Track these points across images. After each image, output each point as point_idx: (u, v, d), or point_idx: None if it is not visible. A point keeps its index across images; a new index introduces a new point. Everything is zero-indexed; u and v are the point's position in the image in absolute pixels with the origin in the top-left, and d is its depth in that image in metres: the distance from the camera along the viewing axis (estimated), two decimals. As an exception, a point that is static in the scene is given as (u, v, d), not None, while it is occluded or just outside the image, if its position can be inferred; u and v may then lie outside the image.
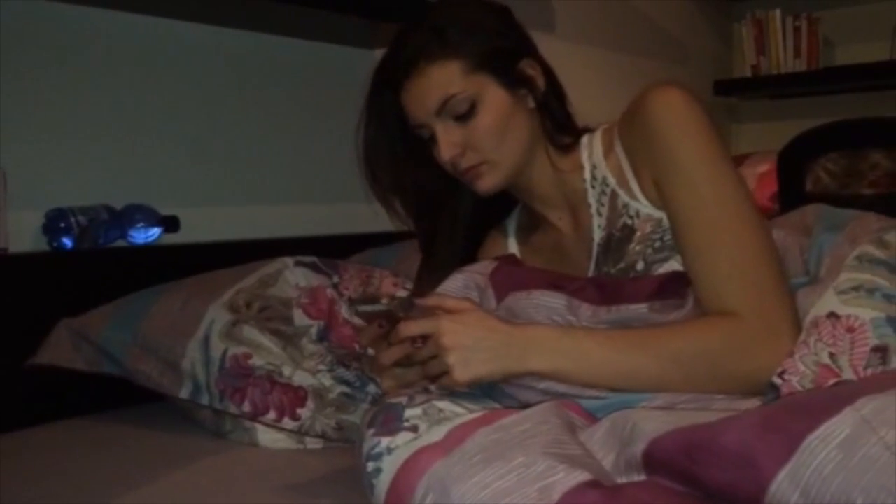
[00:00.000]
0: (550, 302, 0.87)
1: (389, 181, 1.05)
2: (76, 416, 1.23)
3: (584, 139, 1.02)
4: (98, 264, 1.32)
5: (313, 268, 1.30)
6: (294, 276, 1.27)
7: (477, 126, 0.96)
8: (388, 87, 1.00)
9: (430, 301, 0.86)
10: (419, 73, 0.96)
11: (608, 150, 0.99)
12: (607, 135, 1.00)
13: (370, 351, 1.01)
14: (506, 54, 0.97)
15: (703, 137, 0.88)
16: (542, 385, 0.84)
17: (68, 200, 1.32)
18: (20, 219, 1.27)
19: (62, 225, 1.29)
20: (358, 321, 1.20)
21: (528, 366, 0.83)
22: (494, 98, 0.96)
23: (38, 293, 1.24)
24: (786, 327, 0.81)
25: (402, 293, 1.30)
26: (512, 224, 1.14)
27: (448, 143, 0.97)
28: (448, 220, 1.08)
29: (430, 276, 1.07)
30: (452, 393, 0.83)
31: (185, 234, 1.45)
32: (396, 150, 1.04)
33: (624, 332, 0.84)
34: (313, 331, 1.20)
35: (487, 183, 0.99)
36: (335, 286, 1.28)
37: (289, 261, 1.29)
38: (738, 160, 2.49)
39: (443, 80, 0.95)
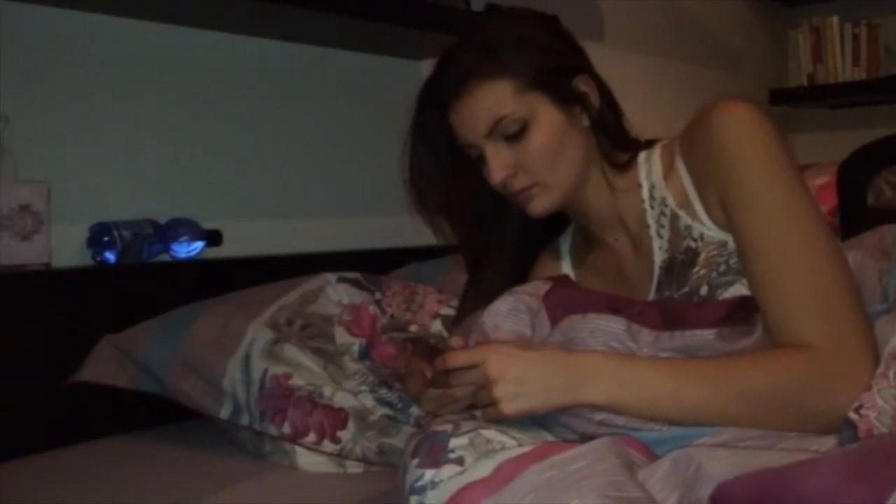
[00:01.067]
0: (609, 326, 0.82)
1: (437, 202, 1.01)
2: (119, 432, 1.21)
3: (642, 156, 0.97)
4: (141, 279, 1.31)
5: (356, 284, 1.27)
6: (336, 293, 1.24)
7: (529, 147, 0.92)
8: (435, 105, 0.97)
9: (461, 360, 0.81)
10: (468, 93, 0.92)
11: (668, 169, 0.94)
12: (667, 152, 0.95)
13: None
14: (559, 71, 0.93)
15: (774, 157, 0.82)
16: (599, 417, 0.79)
17: (112, 215, 1.31)
18: (64, 233, 1.27)
19: (106, 239, 1.29)
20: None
21: (582, 397, 0.78)
22: (547, 118, 0.92)
23: (82, 308, 1.23)
24: (864, 361, 0.75)
25: (446, 311, 1.26)
26: (566, 244, 1.09)
27: (499, 165, 0.93)
28: (497, 240, 1.04)
29: (477, 298, 1.03)
30: (500, 420, 0.79)
31: (228, 248, 1.44)
32: (444, 171, 1.00)
33: (688, 362, 0.78)
34: (355, 349, 1.17)
35: (540, 206, 0.95)
36: (378, 303, 1.25)
37: (331, 277, 1.27)
38: (795, 172, 2.39)
39: (493, 100, 0.91)
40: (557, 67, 0.93)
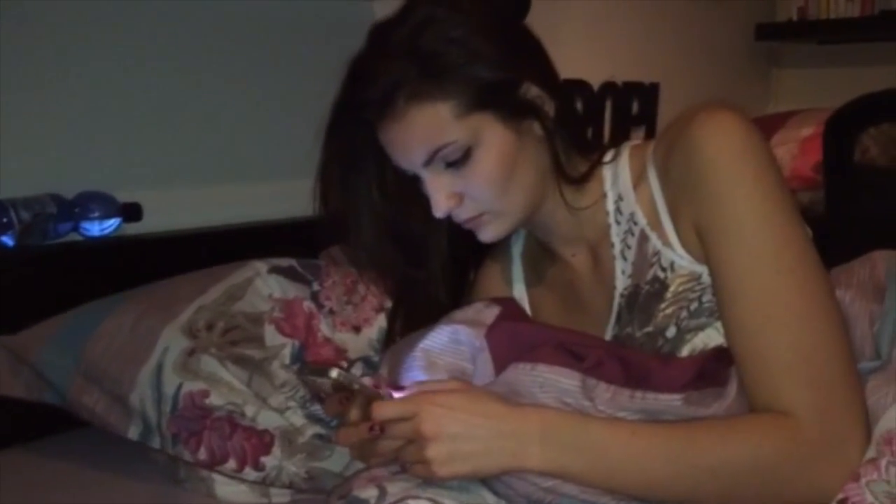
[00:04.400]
0: (560, 382, 0.71)
1: (369, 237, 0.88)
2: (12, 444, 1.08)
3: (607, 158, 0.83)
4: (46, 264, 1.16)
5: (290, 274, 1.14)
6: (267, 286, 1.11)
7: (475, 173, 0.78)
8: (356, 123, 0.82)
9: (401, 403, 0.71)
10: (396, 115, 0.77)
11: (638, 179, 0.80)
12: (637, 157, 0.82)
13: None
14: (507, 83, 0.78)
15: (764, 180, 0.70)
16: (547, 483, 0.70)
17: (9, 191, 1.15)
18: (-48, 214, 1.11)
19: (4, 220, 1.13)
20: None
21: (527, 462, 0.69)
22: (495, 140, 0.77)
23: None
24: (854, 436, 0.65)
25: (391, 304, 1.14)
26: (517, 246, 0.96)
27: (441, 196, 0.80)
28: (436, 249, 0.92)
29: (412, 315, 0.91)
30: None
31: (150, 223, 1.29)
32: (373, 200, 0.87)
33: (652, 428, 0.68)
34: (286, 352, 1.05)
35: (492, 233, 0.83)
36: (315, 296, 1.12)
37: (261, 266, 1.13)
38: (779, 120, 2.26)
39: (429, 127, 0.76)
40: (505, 79, 0.77)
